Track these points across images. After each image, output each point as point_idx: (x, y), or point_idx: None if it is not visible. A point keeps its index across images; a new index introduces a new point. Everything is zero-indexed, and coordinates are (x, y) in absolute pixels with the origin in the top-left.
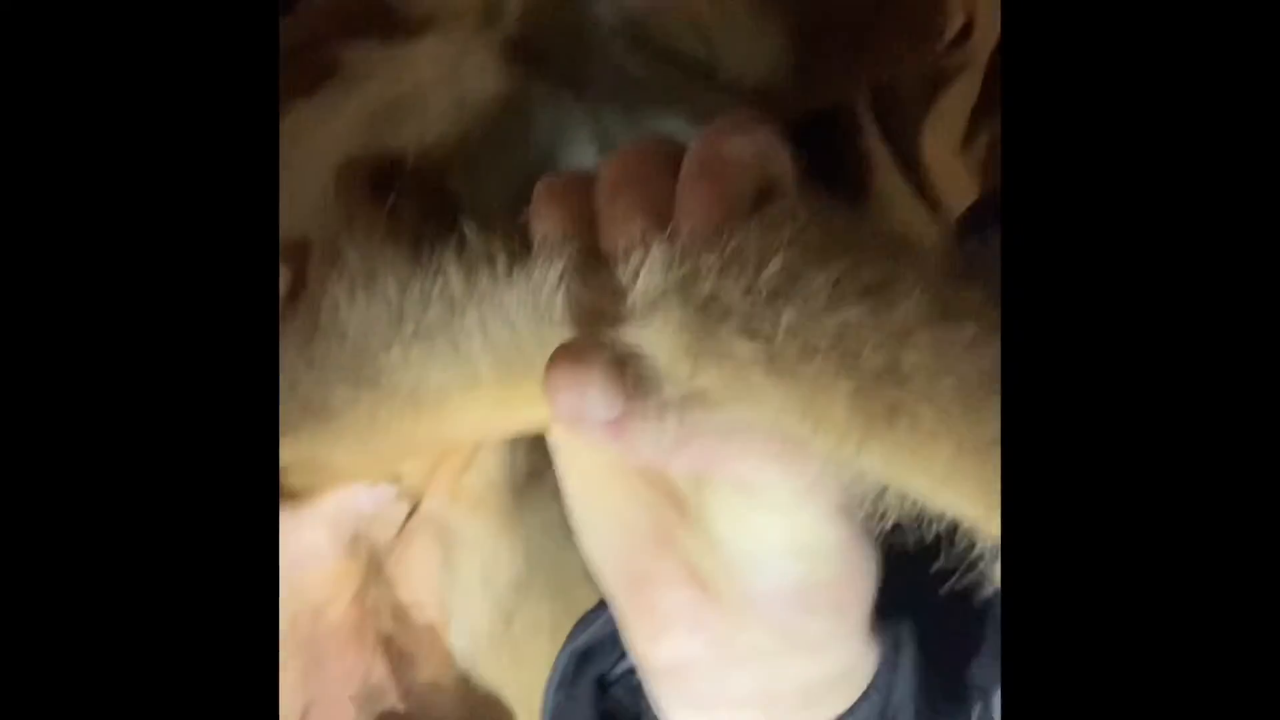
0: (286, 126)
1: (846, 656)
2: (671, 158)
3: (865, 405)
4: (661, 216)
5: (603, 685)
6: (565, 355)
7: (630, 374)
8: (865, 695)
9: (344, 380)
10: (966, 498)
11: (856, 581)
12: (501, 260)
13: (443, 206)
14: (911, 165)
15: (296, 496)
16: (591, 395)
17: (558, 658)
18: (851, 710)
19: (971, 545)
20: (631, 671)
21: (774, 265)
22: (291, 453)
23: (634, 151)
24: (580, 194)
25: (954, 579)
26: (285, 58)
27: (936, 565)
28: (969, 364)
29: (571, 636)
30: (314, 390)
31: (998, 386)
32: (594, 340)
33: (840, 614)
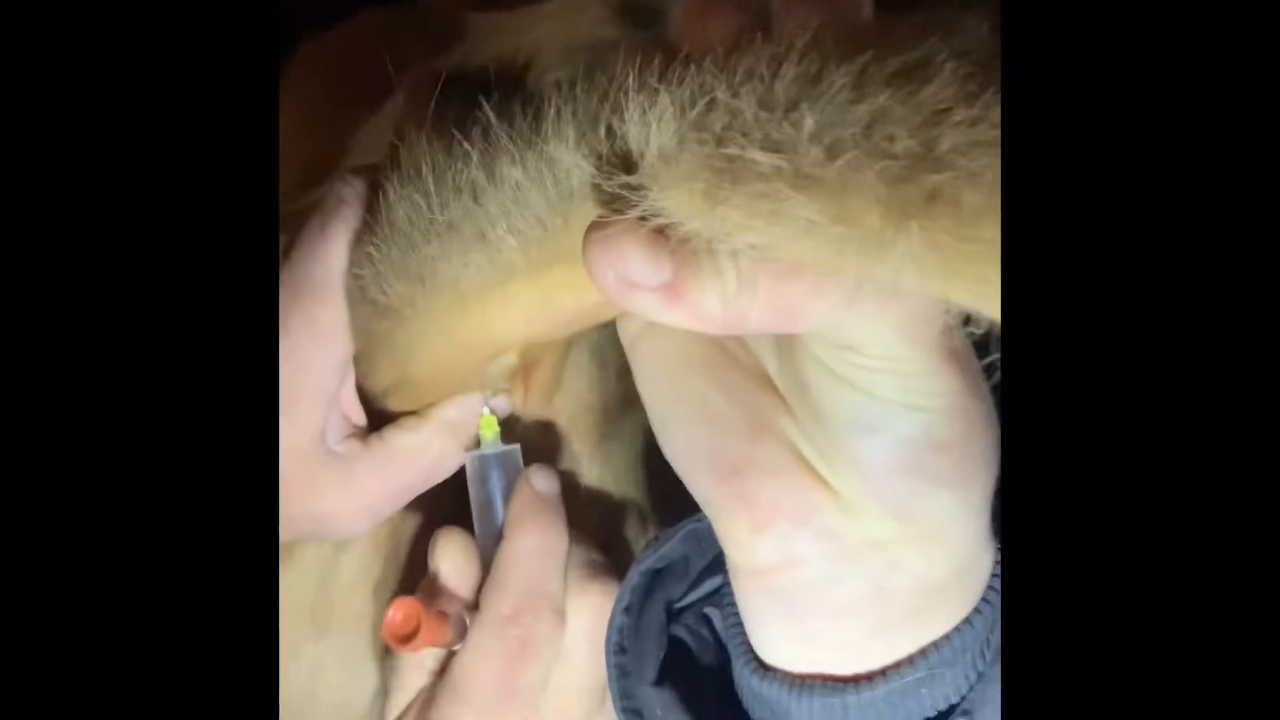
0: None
1: (966, 549)
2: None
3: (901, 194)
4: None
5: (670, 612)
6: (596, 229)
7: (671, 231)
8: (976, 609)
9: (396, 275)
10: None
11: (978, 448)
12: (517, 140)
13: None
14: None
15: (419, 414)
16: (633, 260)
17: (627, 575)
18: (964, 624)
19: None
20: (703, 600)
21: (789, 72)
22: (383, 370)
23: None
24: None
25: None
26: (418, 21)
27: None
28: None
29: (641, 555)
30: (374, 287)
31: None
32: (622, 212)
33: (963, 486)
